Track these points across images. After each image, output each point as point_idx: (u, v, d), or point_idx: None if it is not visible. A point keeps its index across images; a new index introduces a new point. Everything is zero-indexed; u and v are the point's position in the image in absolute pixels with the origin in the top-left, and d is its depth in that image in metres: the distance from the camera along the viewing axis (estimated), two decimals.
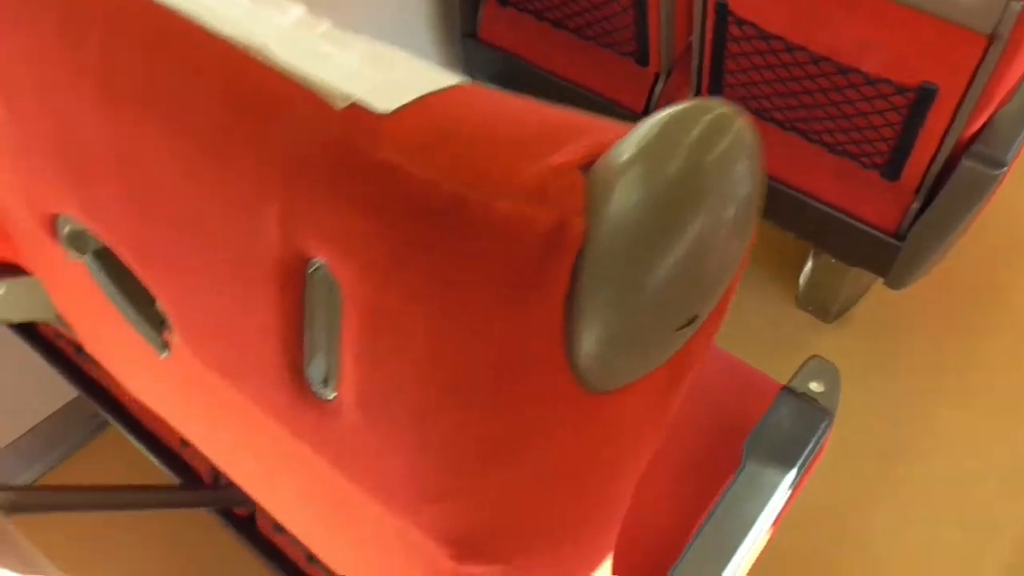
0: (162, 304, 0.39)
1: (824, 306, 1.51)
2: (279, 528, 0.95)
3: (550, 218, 0.26)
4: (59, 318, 0.70)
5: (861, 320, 1.56)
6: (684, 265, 0.27)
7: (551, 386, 0.31)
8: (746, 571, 0.78)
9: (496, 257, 0.27)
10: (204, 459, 1.00)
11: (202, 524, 1.25)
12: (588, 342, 0.29)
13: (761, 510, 0.78)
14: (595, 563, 0.44)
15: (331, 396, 0.35)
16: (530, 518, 0.36)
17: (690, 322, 0.30)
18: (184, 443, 0.93)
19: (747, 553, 0.76)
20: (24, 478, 1.30)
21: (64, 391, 1.28)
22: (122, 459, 1.33)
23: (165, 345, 0.40)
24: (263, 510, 0.98)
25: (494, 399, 0.31)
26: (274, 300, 0.33)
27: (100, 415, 1.33)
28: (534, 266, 0.27)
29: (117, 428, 1.07)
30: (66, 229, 0.43)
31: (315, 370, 0.34)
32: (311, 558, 0.79)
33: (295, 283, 0.32)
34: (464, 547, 0.36)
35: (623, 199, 0.27)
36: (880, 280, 1.33)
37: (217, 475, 0.99)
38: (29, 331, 1.10)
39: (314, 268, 0.31)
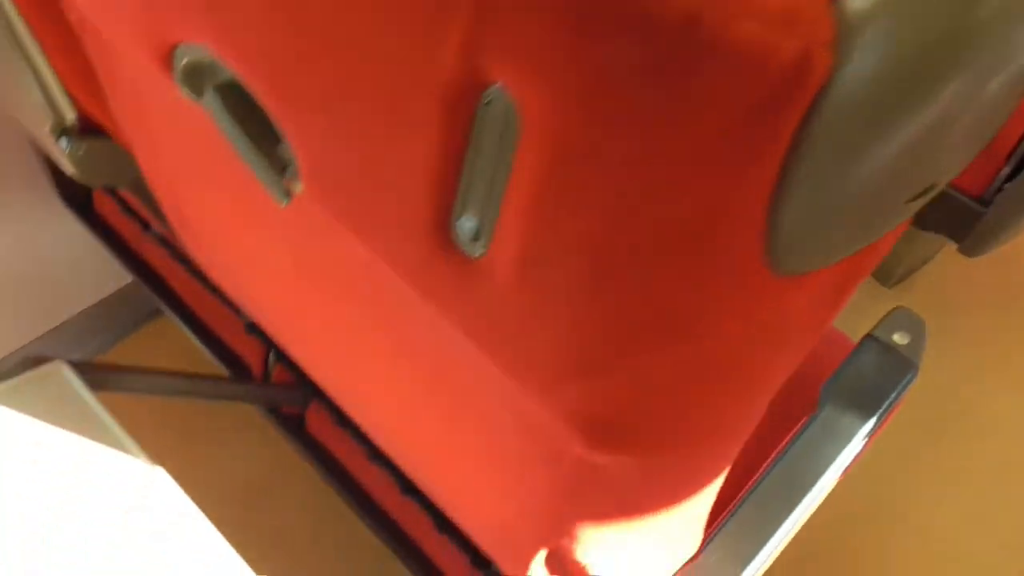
0: (292, 144, 0.36)
1: (886, 269, 1.47)
2: (332, 427, 0.94)
3: (795, 47, 0.23)
4: (136, 186, 0.68)
5: (921, 288, 1.51)
6: (940, 122, 0.24)
7: (742, 258, 0.28)
8: (809, 516, 0.76)
9: (724, 90, 0.24)
10: (257, 353, 0.98)
11: (244, 419, 1.25)
12: (800, 208, 0.26)
13: (836, 456, 0.75)
14: (717, 473, 0.41)
15: (479, 253, 0.32)
16: (677, 408, 0.33)
17: (924, 192, 0.26)
18: (249, 329, 0.91)
19: (816, 497, 0.74)
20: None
21: (115, 278, 1.27)
22: (167, 351, 1.33)
23: (287, 193, 0.37)
24: (317, 408, 0.97)
25: (679, 266, 0.28)
26: (434, 136, 0.30)
27: (151, 304, 1.32)
28: (766, 104, 0.24)
29: (169, 316, 1.06)
30: (184, 61, 0.39)
31: (466, 223, 0.31)
32: (375, 455, 0.78)
33: (463, 116, 0.29)
34: (601, 433, 0.34)
35: (878, 36, 0.23)
36: (947, 247, 1.28)
37: (268, 372, 0.98)
38: (87, 212, 1.08)
39: (488, 100, 0.28)
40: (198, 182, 0.53)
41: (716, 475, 0.42)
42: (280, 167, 0.37)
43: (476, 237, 0.32)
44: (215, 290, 0.96)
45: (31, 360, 0.69)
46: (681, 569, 0.66)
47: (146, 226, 0.98)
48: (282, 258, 0.48)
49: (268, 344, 0.95)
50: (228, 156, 0.42)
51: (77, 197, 1.07)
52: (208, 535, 0.62)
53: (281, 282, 0.53)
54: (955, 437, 1.32)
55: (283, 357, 0.94)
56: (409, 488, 0.85)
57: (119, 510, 0.61)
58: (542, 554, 0.49)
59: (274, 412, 1.02)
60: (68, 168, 0.64)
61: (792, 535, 0.72)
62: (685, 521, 0.47)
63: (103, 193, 1.04)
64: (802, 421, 0.78)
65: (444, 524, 0.83)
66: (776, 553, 0.71)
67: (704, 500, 0.44)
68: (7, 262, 1.13)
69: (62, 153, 0.63)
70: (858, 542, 1.24)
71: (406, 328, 0.43)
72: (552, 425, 0.36)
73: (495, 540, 0.55)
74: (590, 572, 0.47)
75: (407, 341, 0.44)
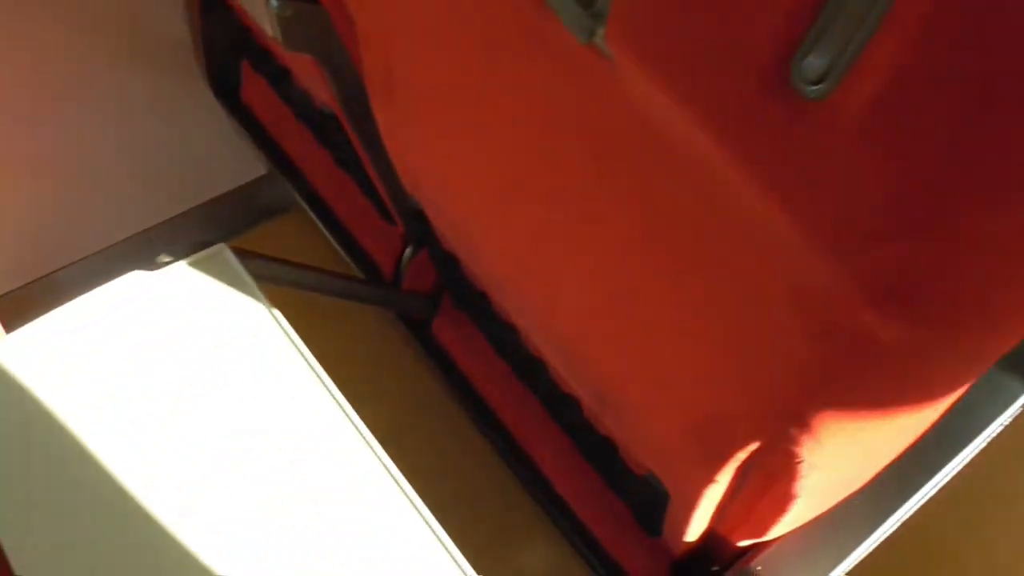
0: None
1: None
2: (463, 338, 0.94)
3: None
4: (329, 57, 0.67)
5: None
6: None
7: None
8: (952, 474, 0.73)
9: None
10: (391, 252, 0.99)
11: (366, 320, 1.26)
12: None
13: (994, 418, 0.73)
14: (984, 367, 0.40)
15: (818, 95, 0.30)
16: (993, 278, 0.32)
17: None
18: (387, 222, 0.90)
19: (968, 455, 0.72)
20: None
21: (238, 173, 1.28)
22: (285, 250, 1.34)
23: (589, 31, 0.36)
24: (447, 317, 0.97)
25: None
26: None
27: (272, 202, 1.33)
28: None
29: (303, 209, 1.07)
30: None
31: (813, 62, 0.30)
32: (526, 365, 0.77)
33: None
34: (900, 302, 0.32)
35: None
36: None
37: (400, 272, 0.98)
38: (233, 100, 1.09)
39: None
40: (426, 40, 0.52)
41: (982, 369, 0.40)
42: (588, 2, 0.36)
43: (822, 78, 0.30)
44: (362, 183, 0.97)
45: (196, 244, 0.71)
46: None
47: (298, 113, 0.98)
48: (506, 123, 0.47)
49: (403, 244, 0.95)
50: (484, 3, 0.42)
51: (225, 84, 1.08)
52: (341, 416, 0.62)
53: (494, 149, 0.52)
54: None
55: (418, 256, 0.94)
56: (556, 411, 0.86)
57: (270, 396, 0.62)
58: (746, 453, 0.48)
59: (402, 319, 1.02)
60: (272, 30, 0.64)
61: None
62: (920, 421, 0.46)
63: (253, 82, 1.05)
64: None
65: (592, 453, 0.83)
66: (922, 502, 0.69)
67: (949, 401, 0.43)
68: (151, 143, 1.15)
69: (270, 13, 0.63)
70: None
71: (657, 198, 0.42)
72: (838, 294, 0.34)
73: (680, 443, 0.54)
74: (802, 473, 0.46)
75: (654, 214, 0.43)
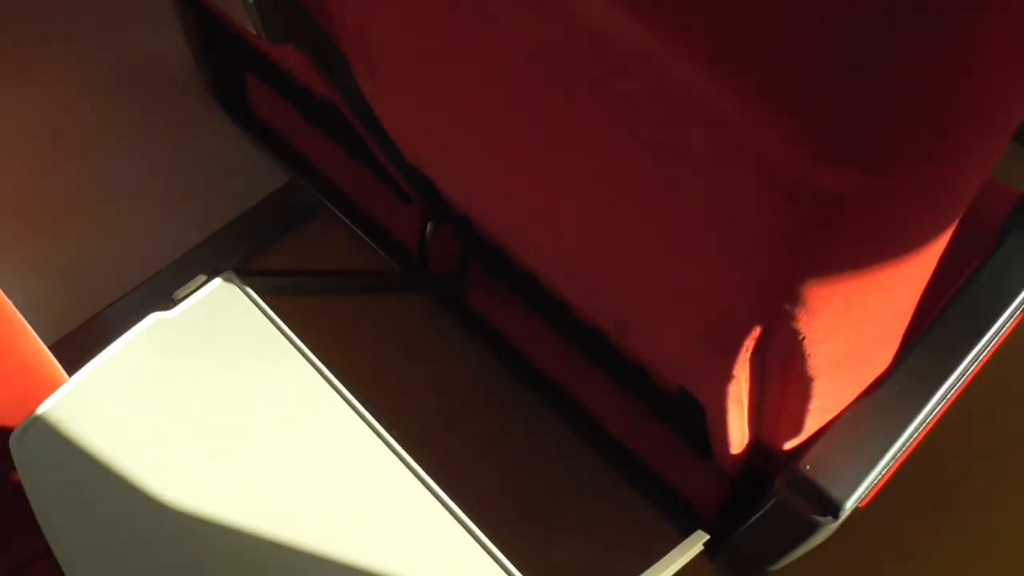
0: None
1: None
2: (496, 301, 0.96)
3: None
4: (316, 46, 0.70)
5: None
6: None
7: None
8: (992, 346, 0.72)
9: None
10: (412, 227, 1.01)
11: (403, 311, 1.30)
12: None
13: (1022, 288, 0.72)
14: (955, 216, 0.41)
15: None
16: (936, 115, 0.33)
17: None
18: (403, 200, 0.93)
19: (999, 331, 0.71)
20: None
21: (257, 188, 1.32)
22: (321, 251, 1.39)
23: None
24: (477, 284, 0.99)
25: None
26: None
27: (311, 200, 1.37)
28: None
29: (329, 211, 1.10)
30: None
31: None
32: (553, 309, 0.79)
33: None
34: (849, 148, 0.34)
35: None
36: None
37: (426, 247, 1.01)
38: (244, 114, 1.13)
39: None
40: (393, 3, 0.54)
41: (953, 214, 0.41)
42: None
43: None
44: (376, 169, 1.00)
45: (205, 276, 0.74)
46: (868, 394, 0.66)
47: (305, 113, 1.02)
48: (474, 63, 0.49)
49: (424, 219, 0.98)
50: None
51: (234, 100, 1.12)
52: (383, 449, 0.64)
53: (469, 97, 0.54)
54: None
55: (440, 228, 0.96)
56: (589, 350, 0.87)
57: (300, 420, 0.65)
58: (752, 341, 0.49)
59: (435, 297, 1.05)
60: (254, 26, 0.67)
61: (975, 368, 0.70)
62: (910, 285, 0.47)
63: (259, 92, 1.08)
64: (980, 258, 0.75)
65: (629, 384, 0.84)
66: (962, 382, 0.69)
67: (931, 253, 0.43)
68: (176, 169, 1.20)
69: (248, 9, 0.66)
70: None
71: (617, 107, 0.43)
72: (790, 156, 0.35)
73: (694, 348, 0.56)
74: (809, 351, 0.47)
75: (618, 122, 0.44)
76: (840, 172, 0.35)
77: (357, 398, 0.69)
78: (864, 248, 0.40)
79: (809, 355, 0.48)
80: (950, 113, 0.34)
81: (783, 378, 0.53)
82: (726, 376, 0.54)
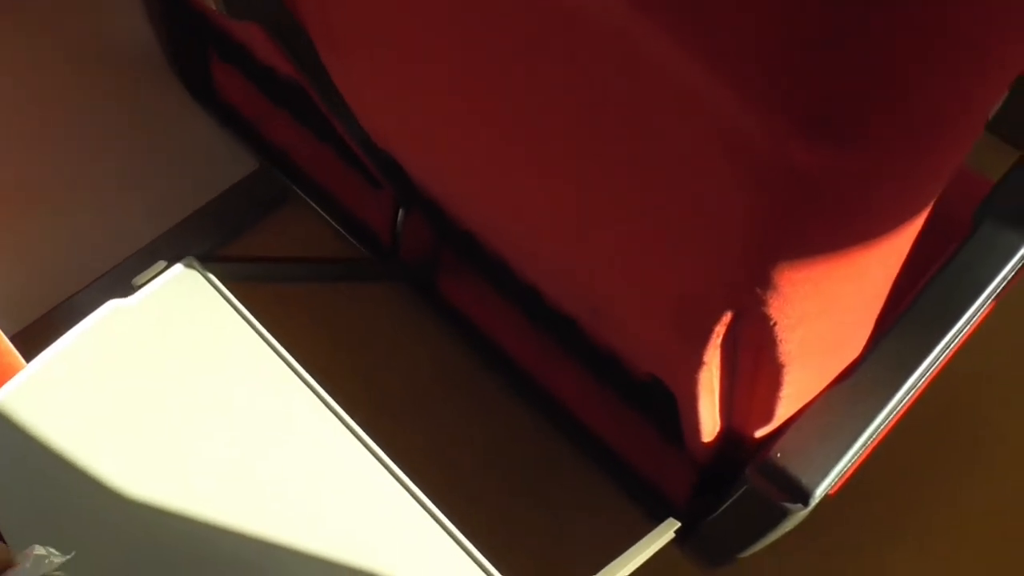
0: None
1: (1020, 128, 1.39)
2: (469, 289, 0.95)
3: None
4: (277, 24, 0.68)
5: None
6: None
7: None
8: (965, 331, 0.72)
9: None
10: (384, 221, 1.00)
11: (374, 299, 1.28)
12: None
13: (994, 275, 0.72)
14: (936, 191, 0.40)
15: None
16: (912, 87, 0.32)
17: None
18: (374, 186, 0.92)
19: (970, 319, 0.71)
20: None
21: (227, 174, 1.30)
22: (284, 246, 1.37)
23: None
24: (450, 272, 0.98)
25: None
26: None
27: (265, 198, 1.35)
28: None
29: (300, 199, 1.08)
30: None
31: None
32: (525, 297, 0.78)
33: None
34: (819, 125, 0.33)
35: None
36: None
37: (397, 234, 0.99)
38: (210, 97, 1.11)
39: None
40: None
41: (927, 194, 0.40)
42: None
43: None
44: (345, 154, 0.98)
45: (166, 262, 0.72)
46: (839, 381, 0.65)
47: (271, 95, 1.00)
48: (438, 37, 0.48)
49: (396, 205, 0.96)
50: None
51: (199, 82, 1.09)
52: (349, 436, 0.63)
53: (432, 73, 0.53)
54: None
55: (411, 214, 0.95)
56: (562, 338, 0.86)
57: (262, 408, 0.63)
58: (723, 327, 0.48)
59: (407, 284, 1.04)
60: (214, 1, 0.65)
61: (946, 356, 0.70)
62: (883, 269, 0.46)
63: (224, 73, 1.06)
64: (952, 246, 0.75)
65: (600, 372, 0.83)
66: (933, 370, 0.69)
67: (904, 236, 0.43)
68: (140, 154, 1.17)
69: None
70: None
71: (589, 86, 0.42)
72: (763, 132, 0.35)
73: (664, 334, 0.55)
74: (780, 336, 0.47)
75: (589, 104, 0.43)
76: (814, 148, 0.34)
77: (324, 387, 0.67)
78: (837, 230, 0.39)
79: (780, 341, 0.48)
80: (926, 87, 0.33)
81: (754, 365, 0.52)
82: (697, 363, 0.53)
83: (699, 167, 0.40)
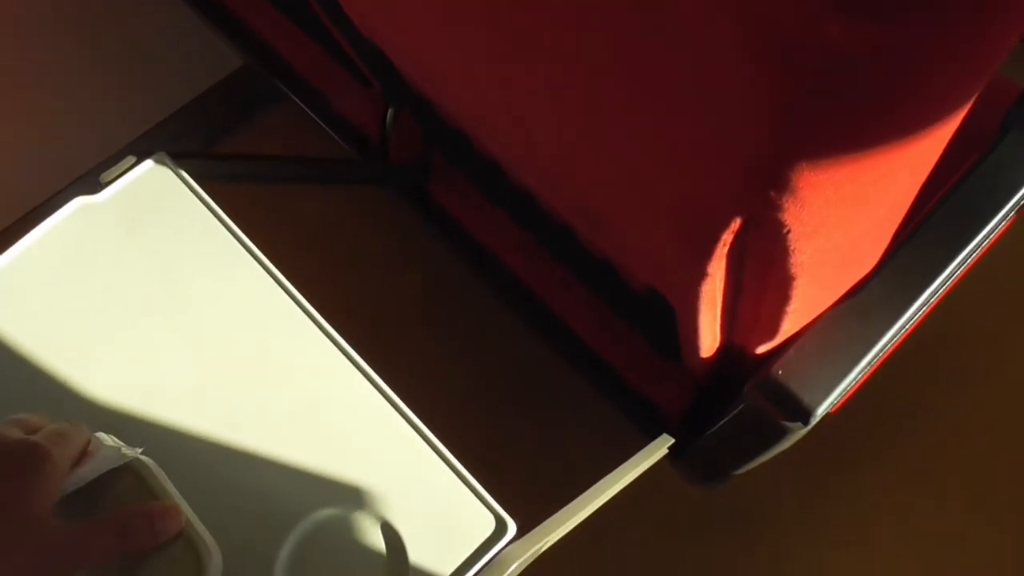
0: None
1: None
2: (460, 195, 0.91)
3: None
4: None
5: None
6: None
7: None
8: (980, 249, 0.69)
9: None
10: (373, 121, 0.95)
11: (364, 206, 1.24)
12: None
13: (1019, 187, 0.68)
14: (971, 95, 0.36)
15: None
16: None
17: None
18: (364, 84, 0.87)
19: (988, 234, 0.67)
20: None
21: (223, 66, 1.24)
22: (278, 142, 1.31)
23: None
24: (440, 177, 0.94)
25: None
26: None
27: (252, 100, 1.29)
28: None
29: (287, 100, 1.03)
30: None
31: None
32: (518, 202, 0.74)
33: None
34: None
35: None
36: None
37: (387, 136, 0.94)
38: None
39: None
40: None
41: (971, 95, 0.36)
42: None
43: None
44: (333, 50, 0.92)
45: (135, 157, 0.67)
46: (848, 297, 0.62)
47: None
48: None
49: (385, 104, 0.91)
50: None
51: None
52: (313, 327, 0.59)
53: None
54: None
55: (401, 114, 0.90)
56: (555, 247, 0.83)
57: (235, 310, 0.59)
58: (730, 235, 0.45)
59: (396, 189, 0.99)
60: None
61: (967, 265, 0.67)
62: (911, 173, 0.42)
63: None
64: (979, 153, 0.70)
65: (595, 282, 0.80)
66: (944, 288, 0.66)
67: (943, 132, 0.38)
68: (121, 51, 1.11)
69: None
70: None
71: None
72: (794, 5, 0.30)
73: (667, 241, 0.51)
74: (793, 245, 0.43)
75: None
76: (853, 24, 0.29)
77: (304, 296, 0.64)
78: (864, 121, 0.35)
79: (793, 251, 0.44)
80: None
81: (761, 277, 0.49)
82: (700, 274, 0.49)
83: (715, 48, 0.35)
